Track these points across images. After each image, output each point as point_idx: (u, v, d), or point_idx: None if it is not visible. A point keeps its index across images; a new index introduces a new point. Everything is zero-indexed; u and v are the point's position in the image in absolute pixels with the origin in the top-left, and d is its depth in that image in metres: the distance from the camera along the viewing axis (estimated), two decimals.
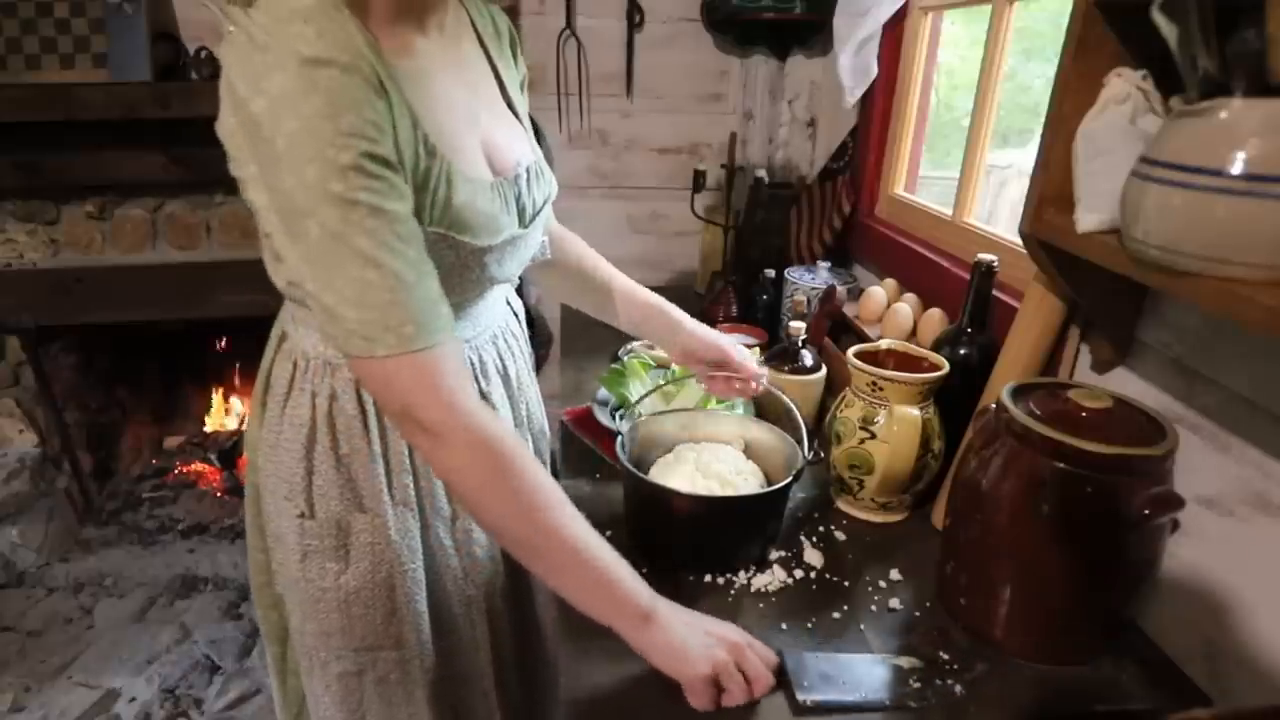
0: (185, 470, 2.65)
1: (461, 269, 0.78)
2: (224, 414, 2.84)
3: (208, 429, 2.83)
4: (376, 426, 0.85)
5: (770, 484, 0.97)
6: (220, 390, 2.82)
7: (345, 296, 0.64)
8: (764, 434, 1.03)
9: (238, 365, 2.77)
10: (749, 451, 1.03)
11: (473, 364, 0.88)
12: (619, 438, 0.97)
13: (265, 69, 0.62)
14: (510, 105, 0.92)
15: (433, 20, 0.78)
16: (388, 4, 0.71)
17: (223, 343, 2.71)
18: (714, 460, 0.97)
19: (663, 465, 0.99)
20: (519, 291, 1.08)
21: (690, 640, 0.71)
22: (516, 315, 1.04)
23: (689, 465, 0.97)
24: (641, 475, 0.92)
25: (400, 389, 0.66)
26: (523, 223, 0.86)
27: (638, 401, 1.09)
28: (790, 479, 0.91)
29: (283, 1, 0.64)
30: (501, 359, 0.95)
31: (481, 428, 0.68)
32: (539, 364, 1.96)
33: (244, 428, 2.80)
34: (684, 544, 0.92)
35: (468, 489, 0.70)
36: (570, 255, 1.07)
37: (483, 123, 0.83)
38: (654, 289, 1.06)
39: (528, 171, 0.87)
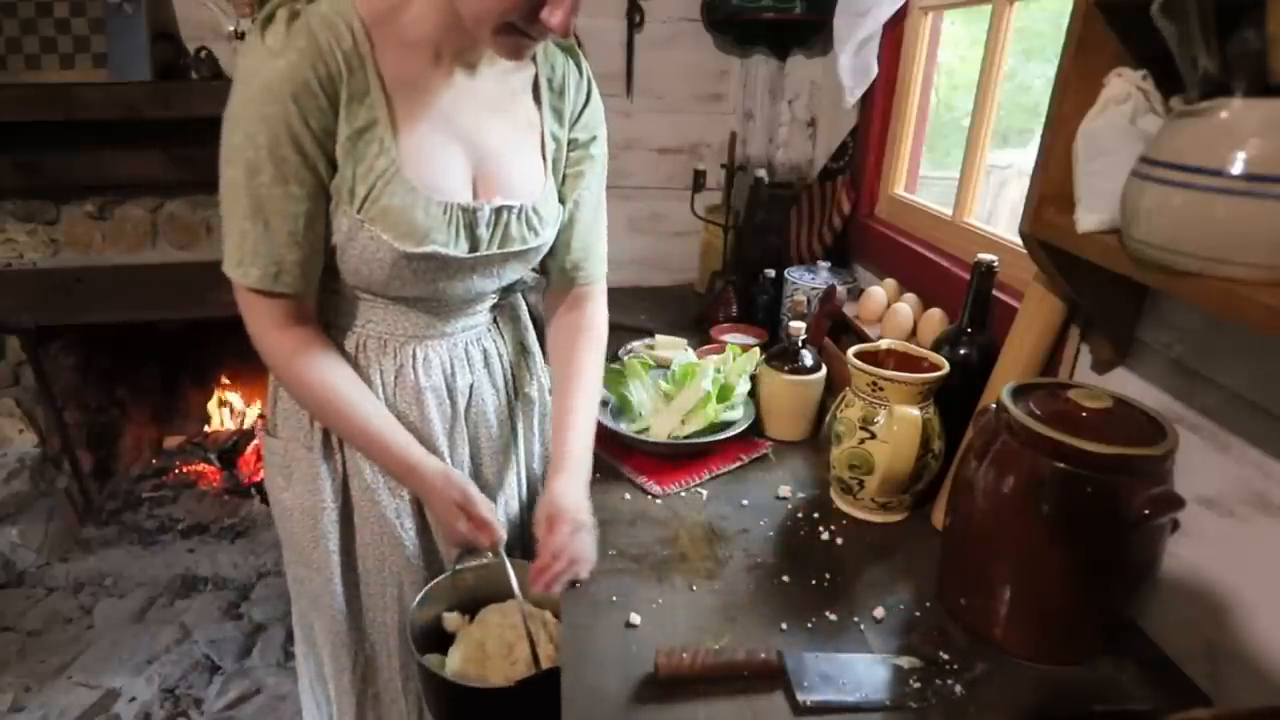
0: (185, 470, 2.65)
1: (381, 264, 0.85)
2: (222, 410, 2.84)
3: (207, 429, 2.83)
4: None
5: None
6: (219, 389, 2.82)
7: (230, 232, 0.82)
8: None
9: (237, 364, 2.76)
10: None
11: (414, 357, 0.96)
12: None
13: (246, 49, 0.79)
14: (544, 153, 0.97)
15: (458, 55, 0.86)
16: (409, 31, 0.82)
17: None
18: (509, 628, 0.94)
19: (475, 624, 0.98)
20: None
21: (438, 520, 0.97)
22: (500, 340, 1.07)
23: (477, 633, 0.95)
24: (423, 662, 0.90)
25: (242, 308, 0.87)
26: (474, 248, 0.90)
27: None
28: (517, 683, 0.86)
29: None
30: (454, 372, 1.00)
31: (273, 356, 0.88)
32: None
33: (245, 426, 2.81)
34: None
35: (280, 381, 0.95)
36: (563, 346, 1.06)
37: (481, 152, 0.90)
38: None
39: (508, 211, 0.91)
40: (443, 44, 0.84)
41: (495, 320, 1.06)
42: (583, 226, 1.04)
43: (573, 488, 0.92)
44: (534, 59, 0.95)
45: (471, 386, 1.02)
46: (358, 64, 0.79)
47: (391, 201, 0.82)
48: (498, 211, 0.90)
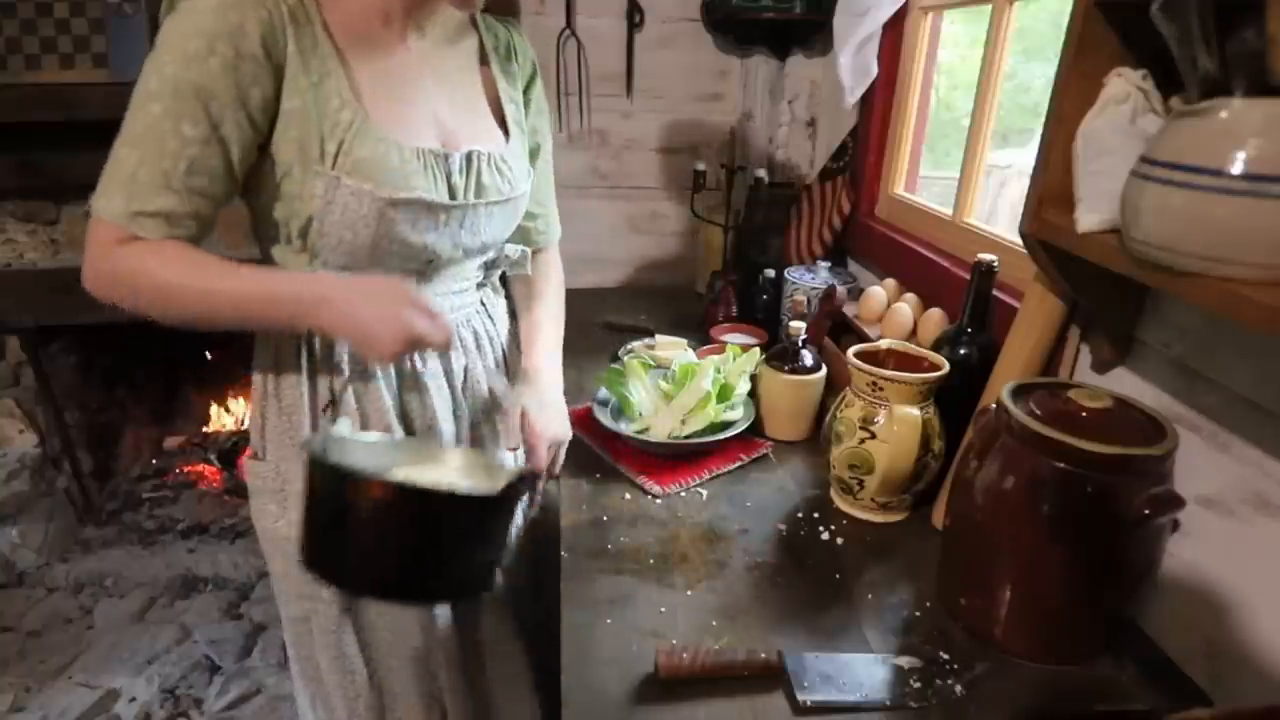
0: (185, 470, 2.65)
1: (366, 222, 0.83)
2: (223, 413, 2.84)
3: (207, 429, 2.83)
4: (307, 383, 0.92)
5: None
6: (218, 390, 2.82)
7: (115, 155, 0.78)
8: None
9: (237, 364, 2.77)
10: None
11: None
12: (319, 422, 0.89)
13: None
14: (502, 114, 0.99)
15: (408, 14, 0.87)
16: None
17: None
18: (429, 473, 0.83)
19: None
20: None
21: (373, 325, 0.78)
22: (489, 323, 1.07)
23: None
24: (328, 461, 0.69)
25: (87, 246, 0.79)
26: (453, 196, 0.90)
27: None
28: (506, 485, 0.71)
29: None
30: (448, 355, 1.00)
31: (95, 265, 0.79)
32: None
33: (244, 426, 2.81)
34: (372, 553, 0.69)
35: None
36: (521, 285, 1.13)
37: (441, 111, 0.91)
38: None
39: (478, 157, 0.92)
40: (393, 3, 0.85)
41: (483, 302, 1.07)
42: (542, 188, 1.09)
43: (543, 397, 0.99)
44: (475, 26, 0.97)
45: (466, 369, 1.02)
46: (304, 19, 0.79)
47: (363, 153, 0.81)
48: (468, 157, 0.90)
